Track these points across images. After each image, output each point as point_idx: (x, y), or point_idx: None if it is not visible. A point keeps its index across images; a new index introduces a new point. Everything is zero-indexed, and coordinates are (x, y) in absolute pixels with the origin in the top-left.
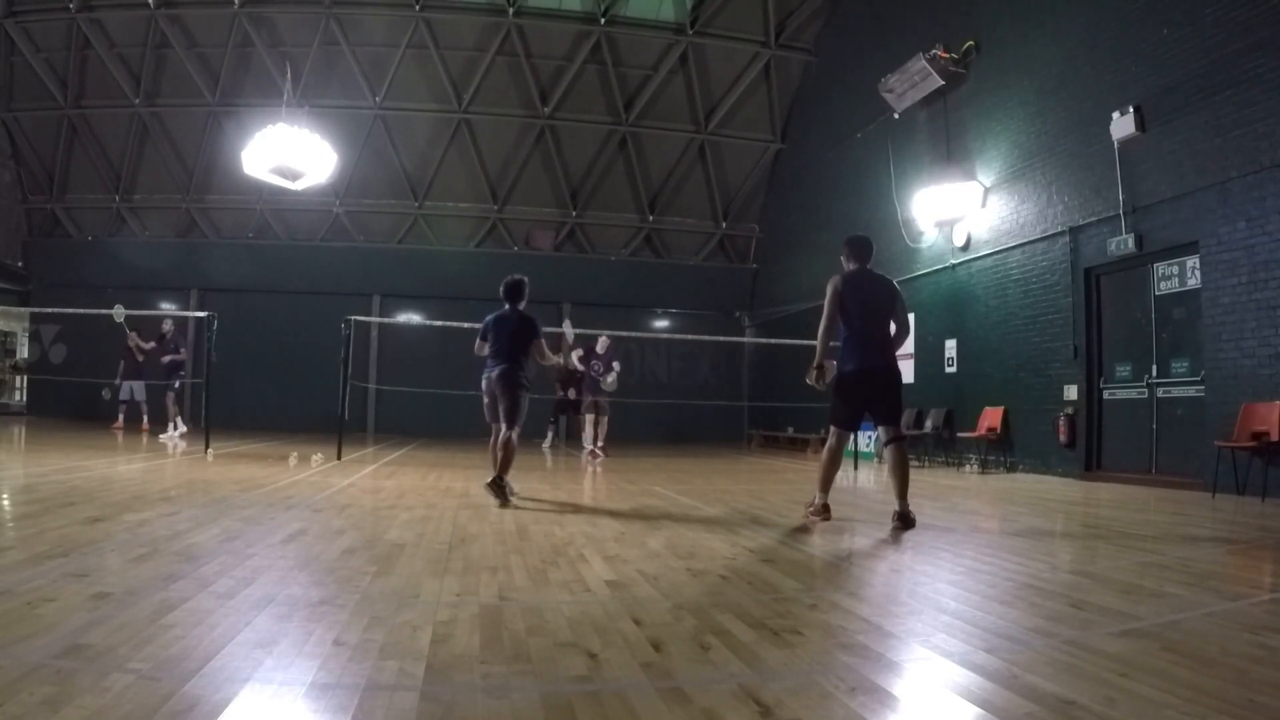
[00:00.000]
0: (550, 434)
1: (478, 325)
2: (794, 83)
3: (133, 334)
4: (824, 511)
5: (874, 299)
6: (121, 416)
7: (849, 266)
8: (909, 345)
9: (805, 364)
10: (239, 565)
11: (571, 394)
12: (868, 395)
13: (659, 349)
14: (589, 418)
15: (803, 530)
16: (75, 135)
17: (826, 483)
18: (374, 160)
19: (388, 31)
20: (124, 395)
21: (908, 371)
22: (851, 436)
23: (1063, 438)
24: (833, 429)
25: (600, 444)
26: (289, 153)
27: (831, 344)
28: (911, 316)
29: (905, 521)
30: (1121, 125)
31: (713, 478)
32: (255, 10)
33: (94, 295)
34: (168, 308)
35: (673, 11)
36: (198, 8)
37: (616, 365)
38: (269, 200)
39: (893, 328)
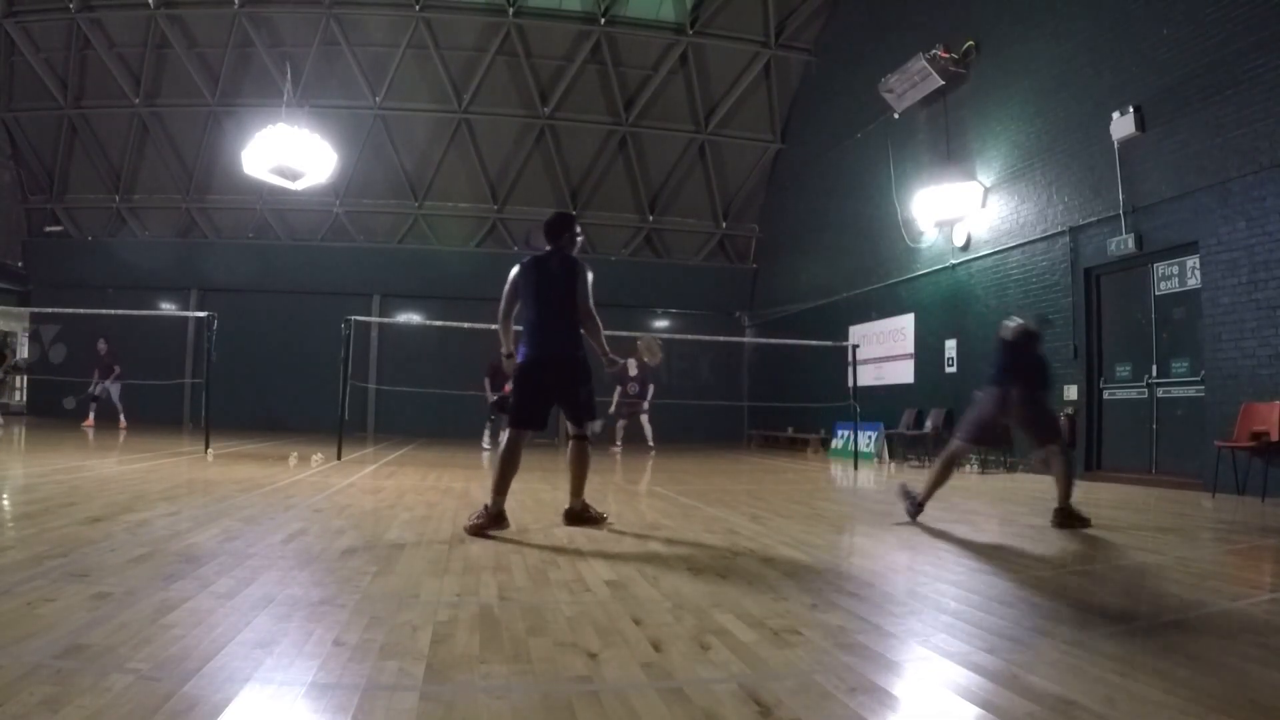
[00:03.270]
0: (488, 434)
1: (478, 325)
2: (794, 83)
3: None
4: (499, 521)
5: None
6: (93, 414)
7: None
8: (908, 345)
9: (801, 364)
10: (239, 565)
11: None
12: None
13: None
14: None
15: (802, 530)
16: (75, 135)
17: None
18: (374, 160)
19: (388, 31)
20: (98, 393)
21: (908, 372)
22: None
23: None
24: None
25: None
26: (289, 153)
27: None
28: (911, 316)
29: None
30: (1121, 125)
31: (712, 478)
32: (255, 10)
33: (94, 295)
34: (168, 308)
35: (673, 11)
36: (198, 8)
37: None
38: (269, 200)
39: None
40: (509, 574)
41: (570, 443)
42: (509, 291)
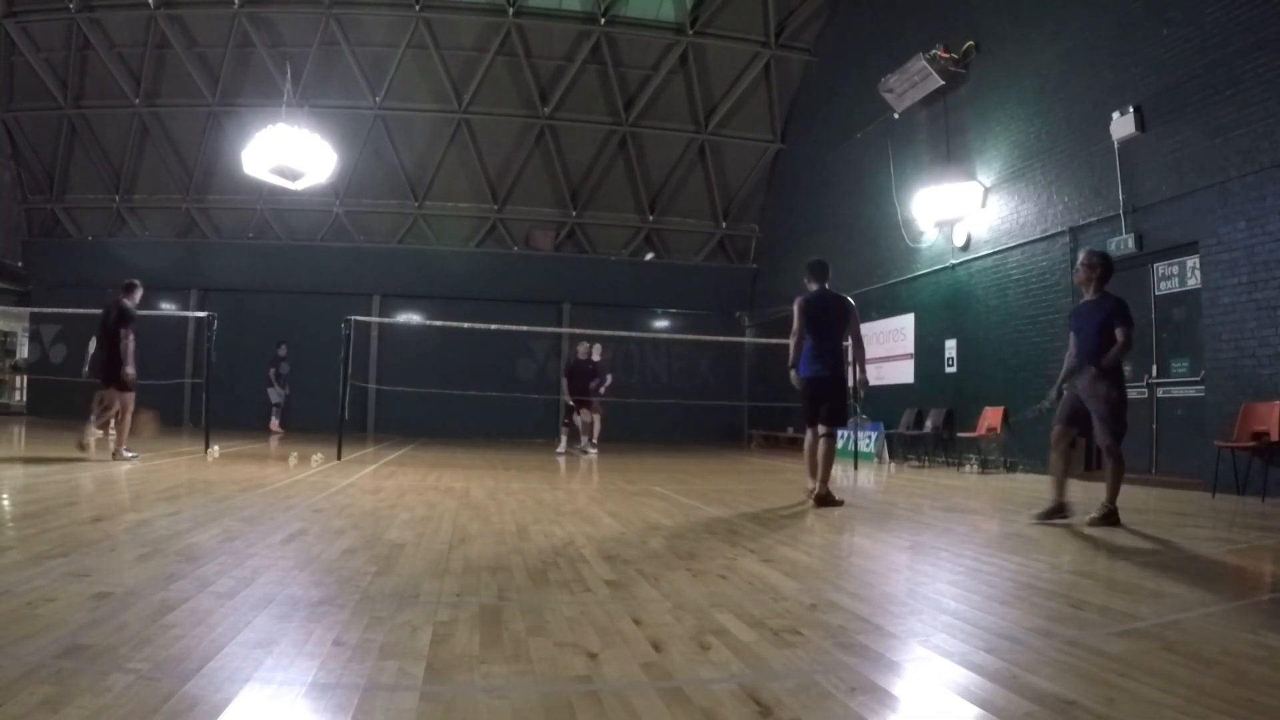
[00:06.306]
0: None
1: (478, 325)
2: (794, 83)
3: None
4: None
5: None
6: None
7: (811, 288)
8: (908, 345)
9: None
10: (239, 565)
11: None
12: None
13: (659, 349)
14: (596, 417)
15: (802, 530)
16: (75, 135)
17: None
18: (374, 160)
19: (388, 31)
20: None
21: (908, 372)
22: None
23: None
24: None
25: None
26: (289, 153)
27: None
28: (911, 316)
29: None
30: (1121, 125)
31: (713, 478)
32: (255, 10)
33: (94, 295)
34: (168, 308)
35: (673, 11)
36: (198, 8)
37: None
38: (269, 200)
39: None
40: (509, 574)
41: (820, 440)
42: (798, 319)
